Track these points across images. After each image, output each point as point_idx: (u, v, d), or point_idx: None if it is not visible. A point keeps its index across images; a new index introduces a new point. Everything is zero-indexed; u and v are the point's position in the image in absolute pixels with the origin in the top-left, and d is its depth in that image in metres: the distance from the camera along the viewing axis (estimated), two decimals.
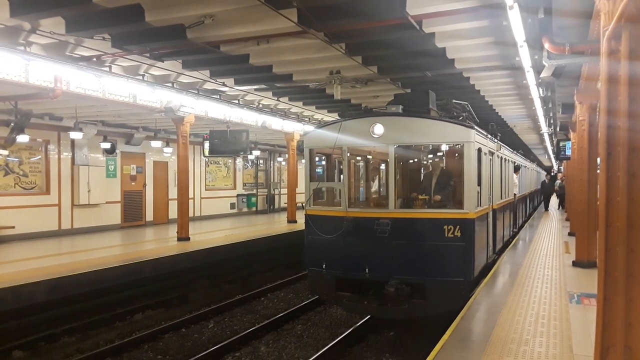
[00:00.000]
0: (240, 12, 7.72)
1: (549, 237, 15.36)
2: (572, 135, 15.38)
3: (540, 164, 44.84)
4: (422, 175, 10.32)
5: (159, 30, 8.45)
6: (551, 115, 16.14)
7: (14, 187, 15.03)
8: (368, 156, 11.33)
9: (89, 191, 16.72)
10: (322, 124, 10.15)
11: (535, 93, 11.12)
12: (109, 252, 12.76)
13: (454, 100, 9.69)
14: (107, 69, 10.81)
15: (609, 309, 4.14)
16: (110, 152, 17.69)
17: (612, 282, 4.12)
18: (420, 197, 8.98)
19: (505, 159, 13.06)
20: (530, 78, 9.28)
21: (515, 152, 18.09)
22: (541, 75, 8.80)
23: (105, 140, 17.24)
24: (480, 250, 8.72)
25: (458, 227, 7.71)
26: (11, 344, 8.75)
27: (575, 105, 11.17)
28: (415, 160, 10.58)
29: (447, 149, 9.53)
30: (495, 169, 10.90)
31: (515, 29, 6.32)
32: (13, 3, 7.64)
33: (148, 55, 9.94)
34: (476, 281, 8.51)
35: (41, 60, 9.28)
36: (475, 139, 8.18)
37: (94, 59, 10.15)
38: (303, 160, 9.99)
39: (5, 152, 14.51)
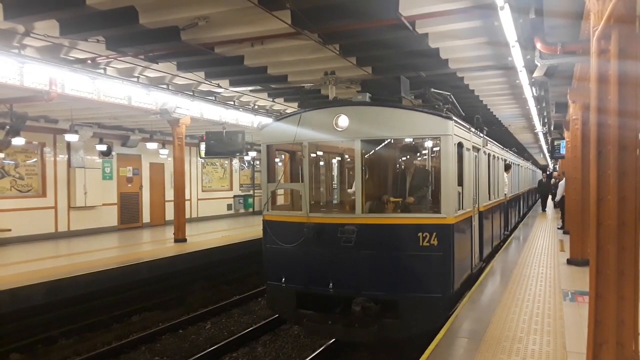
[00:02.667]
0: (234, 14, 7.75)
1: (544, 236, 15.42)
2: (566, 134, 15.46)
3: (535, 163, 44.93)
4: (394, 174, 9.13)
5: (153, 32, 8.47)
6: (545, 114, 16.24)
7: (10, 190, 15.01)
8: (336, 153, 10.40)
9: (85, 193, 16.71)
10: (280, 116, 8.92)
11: (529, 92, 11.19)
12: (105, 254, 12.76)
13: (432, 90, 8.53)
14: (101, 71, 10.83)
15: (601, 307, 4.18)
16: (106, 154, 17.68)
17: (603, 280, 4.17)
18: (391, 199, 7.90)
19: (493, 155, 12.09)
20: (523, 78, 9.35)
21: (506, 149, 16.76)
22: (534, 75, 8.86)
23: (101, 142, 17.23)
24: (463, 259, 7.86)
25: (434, 234, 6.76)
26: (9, 347, 8.75)
27: (568, 105, 11.23)
28: (387, 156, 9.28)
29: (422, 143, 8.63)
30: (481, 166, 9.94)
31: (506, 29, 6.38)
32: (7, 6, 7.66)
33: (143, 57, 9.98)
34: (458, 295, 7.64)
35: (36, 63, 9.29)
36: (454, 132, 7.17)
37: (89, 61, 10.18)
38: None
39: (1, 155, 14.49)
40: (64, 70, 9.91)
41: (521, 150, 29.19)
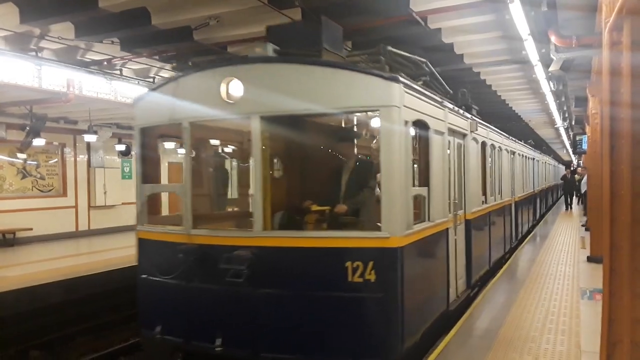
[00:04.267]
0: (245, 13, 7.78)
1: (565, 233, 15.15)
2: (587, 128, 15.18)
3: (557, 158, 44.12)
4: (324, 170, 6.40)
5: (166, 32, 8.56)
6: (565, 109, 15.96)
7: (32, 189, 15.32)
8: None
9: (105, 193, 16.98)
10: (156, 84, 6.27)
11: (546, 87, 11.01)
12: (125, 252, 12.93)
13: (391, 49, 5.91)
14: (117, 72, 10.97)
15: (614, 305, 4.08)
16: (125, 154, 17.90)
17: (617, 277, 4.06)
18: (312, 207, 5.53)
19: (492, 145, 9.47)
20: (539, 72, 9.19)
21: (514, 139, 13.29)
22: (550, 69, 8.70)
23: (120, 142, 17.47)
24: (425, 298, 5.48)
25: (370, 264, 4.46)
26: (28, 344, 8.92)
27: (588, 99, 11.02)
28: (311, 143, 6.45)
29: (364, 121, 6.27)
30: (469, 159, 7.55)
31: (518, 23, 6.26)
32: (23, 10, 7.81)
33: (157, 57, 10.08)
34: (420, 351, 5.25)
35: (52, 65, 9.46)
36: (406, 103, 4.79)
37: (105, 63, 10.32)
38: None
39: (24, 156, 14.80)
40: (80, 72, 10.06)
41: (539, 143, 27.69)
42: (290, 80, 4.85)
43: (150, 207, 6.06)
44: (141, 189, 5.88)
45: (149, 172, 6.06)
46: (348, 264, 4.50)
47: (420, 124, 5.35)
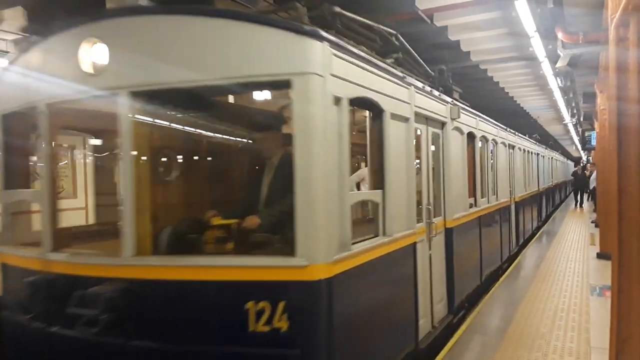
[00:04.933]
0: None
1: (574, 230, 15.06)
2: (596, 124, 15.11)
3: (567, 154, 43.82)
4: (237, 170, 5.22)
5: None
6: (574, 105, 15.89)
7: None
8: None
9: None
10: (13, 57, 4.34)
11: (554, 83, 10.97)
12: None
13: (338, 10, 4.19)
14: None
15: (623, 302, 4.07)
16: None
17: (626, 273, 4.06)
18: (215, 221, 3.92)
19: (483, 137, 8.07)
20: (546, 68, 9.17)
21: (512, 131, 11.03)
22: (557, 65, 8.67)
23: None
24: (371, 349, 3.95)
25: (282, 305, 3.12)
26: None
27: (596, 95, 10.96)
28: (216, 130, 5.16)
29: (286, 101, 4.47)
30: (451, 153, 6.14)
31: (524, 20, 6.25)
32: (31, 13, 7.87)
33: None
34: None
35: None
36: (334, 71, 3.33)
37: None
38: None
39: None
40: None
41: (546, 138, 26.77)
42: (167, 39, 3.40)
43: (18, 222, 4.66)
44: (3, 197, 4.43)
45: (14, 173, 4.56)
46: (250, 305, 3.14)
47: (365, 104, 3.93)
